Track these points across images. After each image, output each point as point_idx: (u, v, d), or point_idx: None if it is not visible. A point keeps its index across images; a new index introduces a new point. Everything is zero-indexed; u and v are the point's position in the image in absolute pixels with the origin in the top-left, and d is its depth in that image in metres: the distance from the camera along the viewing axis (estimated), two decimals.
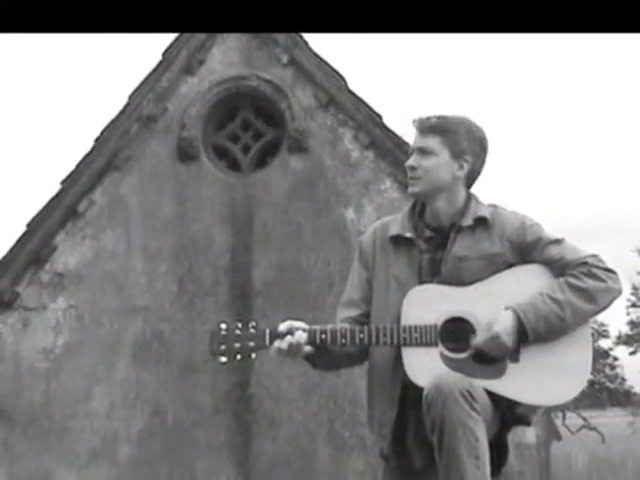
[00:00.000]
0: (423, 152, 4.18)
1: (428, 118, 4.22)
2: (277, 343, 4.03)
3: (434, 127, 4.18)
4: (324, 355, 4.14)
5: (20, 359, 9.42)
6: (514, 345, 3.97)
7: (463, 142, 4.21)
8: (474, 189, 4.35)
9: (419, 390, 3.84)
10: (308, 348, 4.04)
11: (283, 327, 4.05)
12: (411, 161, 4.19)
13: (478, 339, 3.97)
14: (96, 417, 9.28)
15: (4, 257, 9.47)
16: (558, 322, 3.98)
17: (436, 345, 3.98)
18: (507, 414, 4.06)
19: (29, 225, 9.52)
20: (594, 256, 4.12)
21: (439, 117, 4.22)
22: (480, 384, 3.88)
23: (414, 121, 4.24)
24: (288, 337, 4.02)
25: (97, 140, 9.63)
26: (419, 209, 4.32)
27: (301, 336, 4.02)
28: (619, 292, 4.13)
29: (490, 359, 3.97)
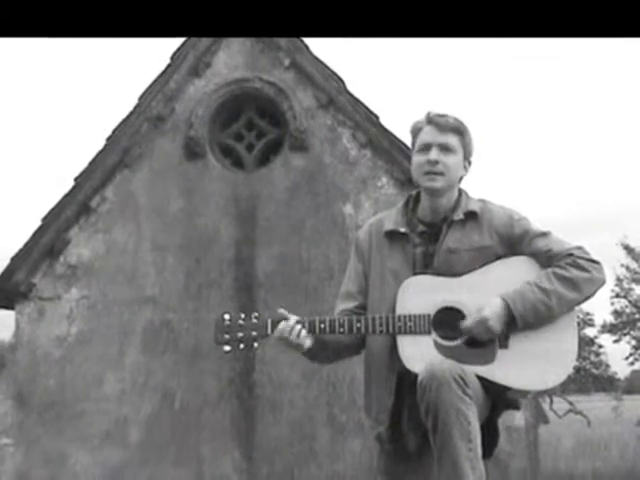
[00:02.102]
0: (446, 149, 4.14)
1: (447, 117, 4.19)
2: (281, 325, 4.03)
3: (454, 127, 4.16)
4: (322, 349, 4.15)
5: (36, 347, 9.43)
6: (502, 330, 3.97)
7: (471, 145, 4.24)
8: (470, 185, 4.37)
9: (414, 376, 3.84)
10: (308, 342, 4.04)
11: (282, 312, 4.06)
12: (434, 155, 4.12)
13: (467, 322, 3.97)
14: (108, 401, 9.29)
15: (21, 250, 9.48)
16: (545, 310, 3.99)
17: (429, 333, 3.98)
18: (498, 398, 4.05)
19: (44, 220, 9.52)
20: (579, 248, 4.13)
21: (455, 118, 4.20)
22: (472, 370, 3.87)
23: (433, 115, 4.19)
24: (289, 321, 4.02)
25: (109, 139, 9.64)
26: (412, 205, 4.31)
27: (300, 328, 4.02)
28: (603, 281, 4.13)
29: (481, 346, 3.98)
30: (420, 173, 4.18)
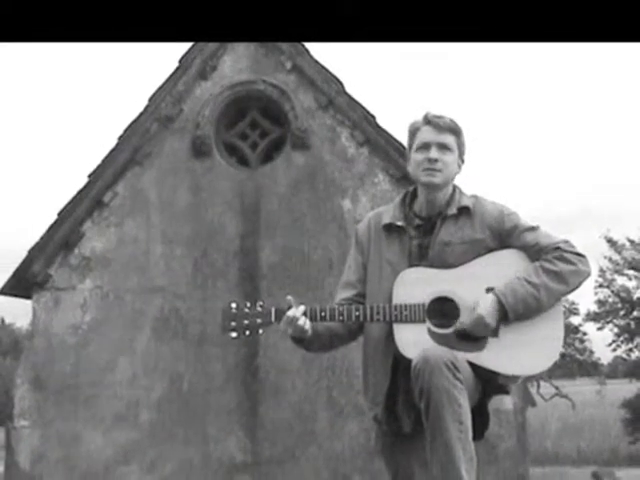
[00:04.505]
0: (444, 148, 4.17)
1: (444, 118, 4.20)
2: (290, 312, 4.03)
3: (451, 127, 4.18)
4: (315, 339, 4.16)
5: (52, 334, 9.44)
6: (496, 325, 3.99)
7: (464, 144, 4.27)
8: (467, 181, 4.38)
9: (408, 362, 3.85)
10: (310, 331, 4.06)
11: (290, 311, 4.06)
12: (434, 153, 4.14)
13: (464, 320, 3.98)
14: (120, 385, 9.30)
15: (37, 243, 9.48)
16: (535, 303, 4.00)
17: (424, 322, 3.98)
18: (488, 383, 4.06)
19: (60, 214, 9.53)
20: (566, 241, 4.13)
21: (451, 119, 4.21)
22: (463, 356, 3.88)
23: (431, 116, 4.20)
24: (292, 310, 4.03)
25: (120, 138, 9.64)
26: (409, 200, 4.33)
27: (303, 317, 4.03)
28: (588, 274, 4.14)
29: (472, 334, 3.99)
30: (419, 170, 4.19)
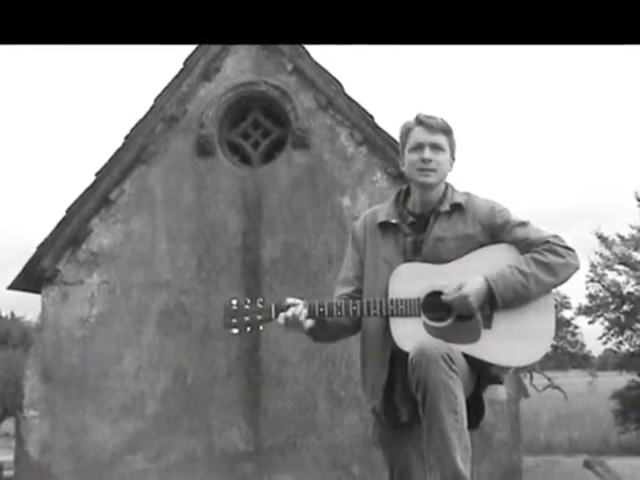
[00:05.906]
0: (437, 148, 4.15)
1: (436, 118, 4.19)
2: (283, 313, 4.04)
3: (443, 127, 4.17)
4: (323, 329, 4.15)
5: (60, 327, 9.44)
6: (480, 307, 3.98)
7: (455, 143, 4.25)
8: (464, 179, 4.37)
9: (405, 355, 3.85)
10: (309, 322, 4.05)
11: (288, 301, 4.07)
12: (427, 154, 4.13)
13: (448, 296, 3.98)
14: (126, 378, 9.31)
15: (46, 239, 9.49)
16: (523, 291, 3.99)
17: (419, 315, 3.98)
18: (482, 374, 4.06)
19: (68, 211, 9.53)
20: (555, 236, 4.13)
21: (443, 119, 4.20)
22: (458, 348, 3.87)
23: (423, 117, 4.18)
24: (292, 308, 4.03)
25: (127, 137, 9.64)
26: (402, 198, 4.32)
27: (302, 312, 4.03)
28: (577, 267, 4.13)
29: (467, 326, 3.98)
30: (414, 170, 4.17)
